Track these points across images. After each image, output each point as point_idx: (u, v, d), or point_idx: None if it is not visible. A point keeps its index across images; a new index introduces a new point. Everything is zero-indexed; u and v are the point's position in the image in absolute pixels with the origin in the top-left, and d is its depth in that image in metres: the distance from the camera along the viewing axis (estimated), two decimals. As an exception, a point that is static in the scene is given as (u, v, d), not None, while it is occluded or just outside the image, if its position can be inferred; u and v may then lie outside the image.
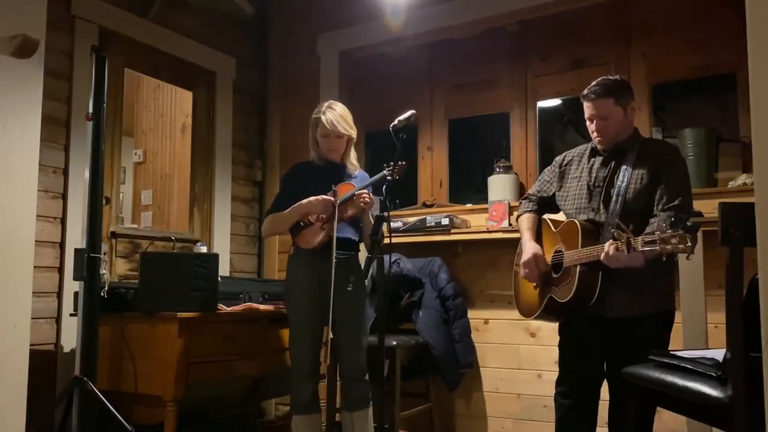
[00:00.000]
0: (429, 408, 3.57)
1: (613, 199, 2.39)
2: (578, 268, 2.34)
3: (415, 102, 4.06)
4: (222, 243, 4.10)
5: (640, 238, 2.08)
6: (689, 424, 2.83)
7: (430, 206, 3.99)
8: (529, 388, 3.51)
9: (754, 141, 1.41)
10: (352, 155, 3.02)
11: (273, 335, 3.25)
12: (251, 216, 4.37)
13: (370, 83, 4.37)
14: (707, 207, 2.94)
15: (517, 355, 3.56)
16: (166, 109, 4.59)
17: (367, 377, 2.89)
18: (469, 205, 3.86)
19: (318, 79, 4.26)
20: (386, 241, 2.58)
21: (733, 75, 3.38)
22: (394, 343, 3.22)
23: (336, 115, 2.89)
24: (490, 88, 4.10)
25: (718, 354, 1.81)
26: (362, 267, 2.84)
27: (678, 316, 2.93)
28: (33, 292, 2.43)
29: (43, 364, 3.05)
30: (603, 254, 2.21)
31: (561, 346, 2.61)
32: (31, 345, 2.36)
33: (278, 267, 4.30)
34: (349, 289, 2.77)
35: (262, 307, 3.28)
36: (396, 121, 2.71)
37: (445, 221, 3.61)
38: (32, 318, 2.41)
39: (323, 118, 2.88)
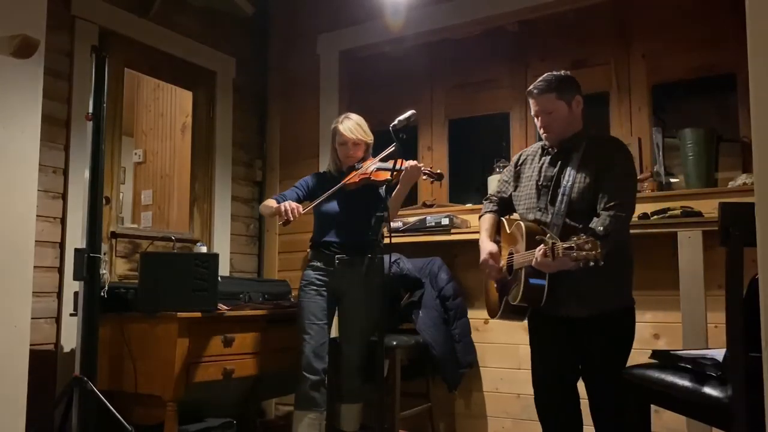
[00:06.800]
0: (429, 408, 3.56)
1: (559, 198, 2.40)
2: (523, 271, 2.38)
3: (415, 102, 4.05)
4: (222, 243, 4.10)
5: (560, 244, 2.14)
6: (689, 424, 2.83)
7: (430, 206, 3.99)
8: (529, 388, 3.45)
9: (754, 141, 1.41)
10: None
11: (273, 335, 3.25)
12: (251, 216, 4.37)
13: (370, 83, 4.36)
14: (707, 207, 2.94)
15: (517, 355, 3.56)
16: (166, 109, 4.59)
17: (360, 375, 3.08)
18: (469, 205, 3.86)
19: (318, 79, 4.27)
20: (386, 241, 2.59)
21: (733, 75, 3.37)
22: (394, 343, 3.22)
23: (351, 123, 3.10)
24: (490, 88, 4.09)
25: (718, 354, 1.81)
26: (377, 267, 2.94)
27: (678, 316, 2.94)
28: (33, 292, 2.43)
29: (43, 364, 3.05)
30: (533, 260, 2.26)
31: (531, 350, 2.64)
32: (31, 345, 2.36)
33: (278, 267, 4.30)
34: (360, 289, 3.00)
35: (262, 306, 3.29)
36: (396, 121, 2.71)
37: (445, 221, 3.61)
38: (32, 318, 2.41)
39: (340, 127, 3.10)
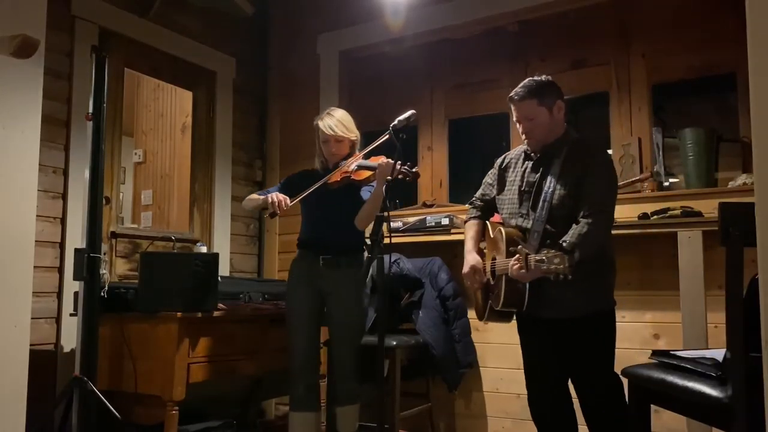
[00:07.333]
0: (429, 408, 3.57)
1: (540, 205, 2.42)
2: (504, 278, 2.41)
3: (415, 102, 4.05)
4: (222, 243, 4.10)
5: (532, 256, 2.21)
6: (689, 424, 2.83)
7: (430, 206, 3.99)
8: (529, 388, 3.50)
9: (754, 141, 1.41)
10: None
11: (273, 335, 3.25)
12: (251, 216, 4.37)
13: (370, 83, 4.37)
14: (707, 207, 2.94)
15: (517, 355, 3.52)
16: (166, 109, 4.59)
17: (354, 377, 2.97)
18: (468, 205, 3.85)
19: (318, 79, 4.27)
20: (386, 241, 2.58)
21: (733, 75, 3.37)
22: (394, 343, 3.22)
23: (334, 120, 2.97)
24: (490, 88, 4.09)
25: (718, 354, 1.81)
26: (361, 267, 2.91)
27: (678, 316, 2.94)
28: (33, 292, 2.43)
29: (43, 364, 3.04)
30: (509, 270, 2.31)
31: (521, 351, 2.67)
32: (31, 345, 2.36)
33: (278, 267, 4.30)
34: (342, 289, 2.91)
35: (262, 306, 3.28)
36: (396, 121, 2.71)
37: (445, 221, 3.61)
38: (32, 318, 2.41)
39: (321, 124, 2.98)
